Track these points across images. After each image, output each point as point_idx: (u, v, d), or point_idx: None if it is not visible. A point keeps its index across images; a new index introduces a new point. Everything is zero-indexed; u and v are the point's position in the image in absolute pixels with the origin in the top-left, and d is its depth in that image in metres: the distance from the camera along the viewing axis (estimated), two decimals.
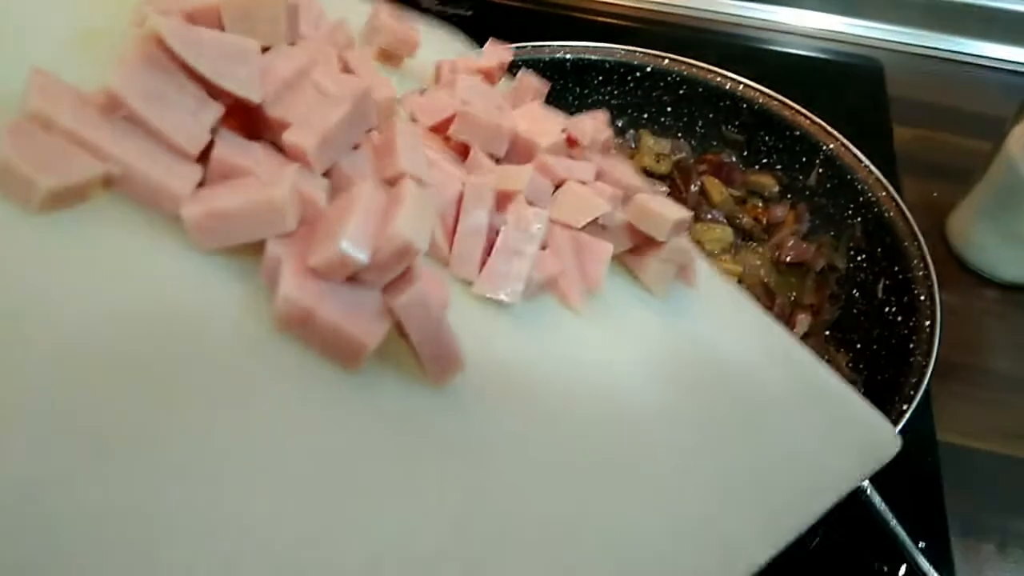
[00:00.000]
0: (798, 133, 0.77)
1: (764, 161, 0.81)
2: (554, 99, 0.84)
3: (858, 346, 0.67)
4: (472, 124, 0.38)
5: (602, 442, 0.33)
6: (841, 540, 0.57)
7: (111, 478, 0.21)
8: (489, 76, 0.45)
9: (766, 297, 0.72)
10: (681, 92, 0.82)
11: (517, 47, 0.82)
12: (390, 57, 0.44)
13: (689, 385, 0.38)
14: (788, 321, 0.70)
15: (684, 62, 0.81)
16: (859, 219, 0.72)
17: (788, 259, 0.75)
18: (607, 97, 0.84)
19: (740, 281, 0.72)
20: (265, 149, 0.30)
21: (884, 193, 0.70)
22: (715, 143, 0.83)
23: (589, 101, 0.85)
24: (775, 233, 0.77)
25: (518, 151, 0.39)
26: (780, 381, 0.41)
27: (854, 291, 0.71)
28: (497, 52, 0.46)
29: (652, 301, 0.40)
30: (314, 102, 0.31)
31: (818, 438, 0.39)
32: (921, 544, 0.54)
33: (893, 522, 0.52)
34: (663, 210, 0.38)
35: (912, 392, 0.56)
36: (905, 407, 0.55)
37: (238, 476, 0.23)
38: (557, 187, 0.39)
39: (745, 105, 0.80)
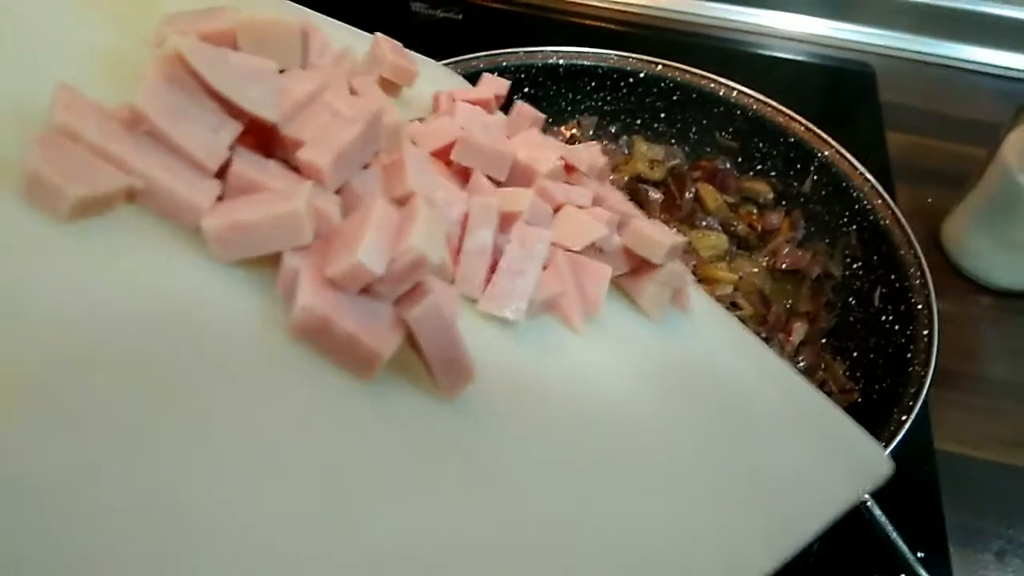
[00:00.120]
0: (792, 140, 0.77)
1: (759, 168, 0.80)
2: (547, 105, 0.85)
3: (855, 354, 0.67)
4: (473, 149, 0.39)
5: (603, 445, 0.34)
6: (840, 551, 0.57)
7: (119, 478, 0.22)
8: (486, 106, 0.46)
9: (762, 304, 0.71)
10: (675, 98, 0.82)
11: (509, 52, 0.81)
12: (390, 87, 0.45)
13: (687, 395, 0.39)
14: (784, 329, 0.70)
15: (678, 68, 0.81)
16: (854, 227, 0.72)
17: (783, 266, 0.74)
18: (600, 103, 0.84)
19: (735, 289, 0.72)
20: (280, 167, 0.31)
21: (879, 200, 0.70)
22: (709, 149, 0.83)
23: (582, 107, 0.84)
24: (770, 240, 0.76)
25: (518, 176, 0.41)
26: (773, 399, 0.43)
27: (850, 299, 0.71)
28: (493, 84, 0.48)
29: (648, 323, 0.42)
30: (328, 122, 0.32)
31: (809, 456, 0.41)
32: (920, 554, 0.53)
33: (892, 532, 0.52)
34: (659, 235, 0.40)
35: (911, 403, 0.56)
36: (904, 418, 0.55)
37: (252, 479, 0.24)
38: (555, 211, 0.40)
39: (739, 111, 0.79)
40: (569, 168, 0.43)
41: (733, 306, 0.70)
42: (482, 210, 0.36)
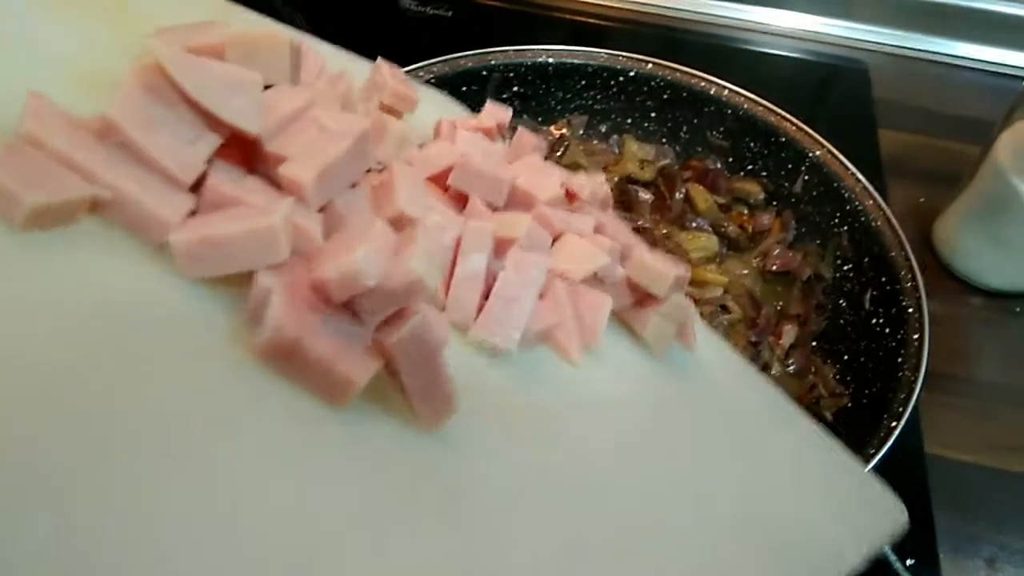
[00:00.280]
0: (783, 139, 0.76)
1: (749, 167, 0.80)
2: (536, 104, 0.84)
3: (845, 358, 0.67)
4: (471, 173, 0.38)
5: (597, 490, 0.32)
6: None
7: (45, 525, 0.20)
8: (488, 135, 0.45)
9: (752, 307, 0.70)
10: (665, 97, 0.81)
11: (498, 51, 0.80)
12: (390, 113, 0.45)
13: (694, 441, 0.37)
14: (774, 332, 0.69)
15: (668, 66, 0.80)
16: (845, 228, 0.71)
17: (774, 268, 0.74)
18: (590, 102, 0.83)
19: (725, 291, 0.71)
20: (261, 183, 0.30)
21: (871, 201, 0.69)
22: (700, 149, 0.82)
23: (572, 106, 0.83)
24: (760, 241, 0.76)
25: (517, 203, 0.39)
26: (785, 447, 0.41)
27: (841, 301, 0.70)
28: (496, 112, 0.46)
29: (651, 360, 0.40)
30: (313, 139, 0.31)
31: (823, 507, 0.39)
32: (909, 561, 0.53)
33: None
34: (663, 266, 0.38)
35: (901, 409, 0.55)
36: (894, 425, 0.54)
37: (213, 507, 0.22)
38: (555, 240, 0.39)
39: (730, 110, 0.79)
40: (571, 196, 0.42)
41: (723, 309, 0.70)
42: (476, 234, 0.35)
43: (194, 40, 0.31)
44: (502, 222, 0.37)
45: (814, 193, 0.75)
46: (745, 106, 0.78)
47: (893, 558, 0.50)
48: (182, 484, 0.22)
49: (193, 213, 0.28)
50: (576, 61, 0.81)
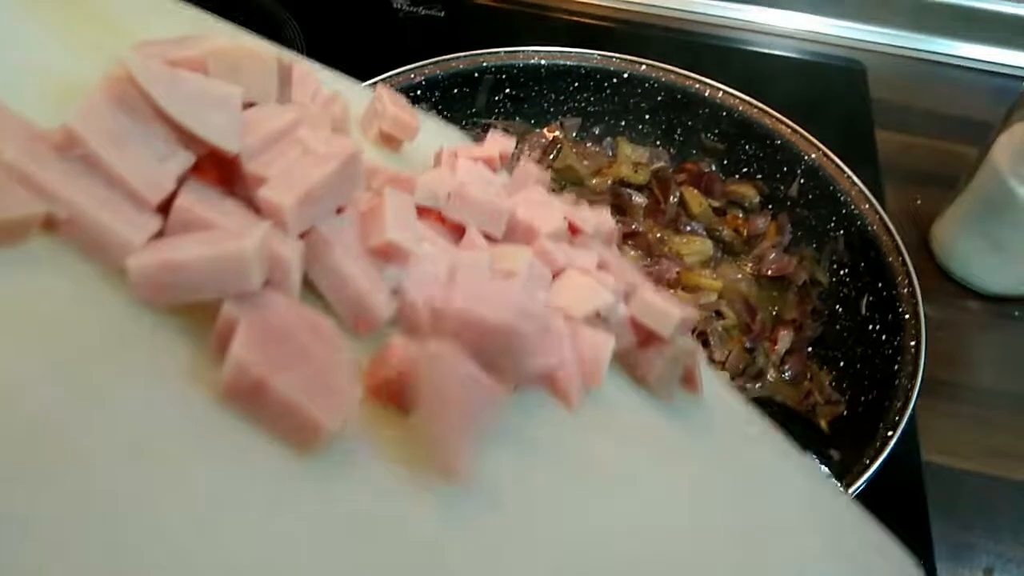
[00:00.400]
0: (779, 142, 0.75)
1: (744, 170, 0.79)
2: (529, 106, 0.83)
3: (841, 364, 0.66)
4: (468, 202, 0.36)
5: (595, 546, 0.30)
6: None
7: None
8: (490, 164, 0.44)
9: (747, 312, 0.70)
10: (659, 99, 0.80)
11: (490, 52, 0.79)
12: (390, 141, 0.44)
13: (691, 479, 0.35)
14: (770, 337, 0.69)
15: (662, 68, 0.79)
16: (841, 232, 0.71)
17: (769, 272, 0.73)
18: (583, 104, 0.82)
19: (720, 296, 0.70)
20: (237, 205, 0.28)
21: (867, 205, 0.68)
22: (694, 151, 0.81)
23: (565, 108, 0.83)
24: (756, 245, 0.75)
25: (517, 235, 0.38)
26: (796, 501, 0.39)
27: (837, 306, 0.70)
28: (498, 142, 0.45)
29: (655, 405, 0.38)
30: (297, 160, 0.29)
31: (835, 565, 0.37)
32: None
33: None
34: (668, 306, 0.37)
35: (897, 417, 0.54)
36: (890, 433, 0.54)
37: (163, 557, 0.21)
38: (555, 276, 0.37)
39: (725, 113, 0.78)
40: (574, 229, 0.40)
41: (717, 314, 0.69)
42: (471, 264, 0.33)
43: (174, 53, 0.29)
44: (500, 255, 0.35)
45: (810, 196, 0.74)
46: (740, 108, 0.77)
47: None
48: (128, 522, 0.21)
49: (160, 235, 0.26)
50: (569, 63, 0.80)
